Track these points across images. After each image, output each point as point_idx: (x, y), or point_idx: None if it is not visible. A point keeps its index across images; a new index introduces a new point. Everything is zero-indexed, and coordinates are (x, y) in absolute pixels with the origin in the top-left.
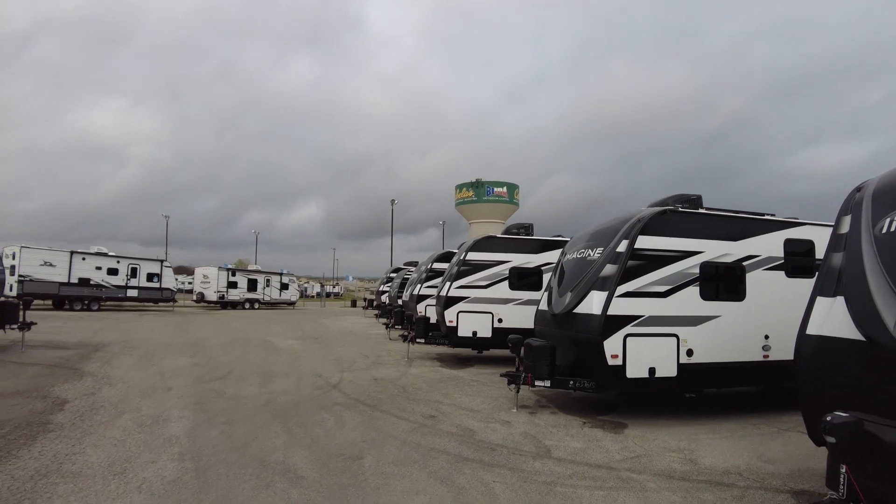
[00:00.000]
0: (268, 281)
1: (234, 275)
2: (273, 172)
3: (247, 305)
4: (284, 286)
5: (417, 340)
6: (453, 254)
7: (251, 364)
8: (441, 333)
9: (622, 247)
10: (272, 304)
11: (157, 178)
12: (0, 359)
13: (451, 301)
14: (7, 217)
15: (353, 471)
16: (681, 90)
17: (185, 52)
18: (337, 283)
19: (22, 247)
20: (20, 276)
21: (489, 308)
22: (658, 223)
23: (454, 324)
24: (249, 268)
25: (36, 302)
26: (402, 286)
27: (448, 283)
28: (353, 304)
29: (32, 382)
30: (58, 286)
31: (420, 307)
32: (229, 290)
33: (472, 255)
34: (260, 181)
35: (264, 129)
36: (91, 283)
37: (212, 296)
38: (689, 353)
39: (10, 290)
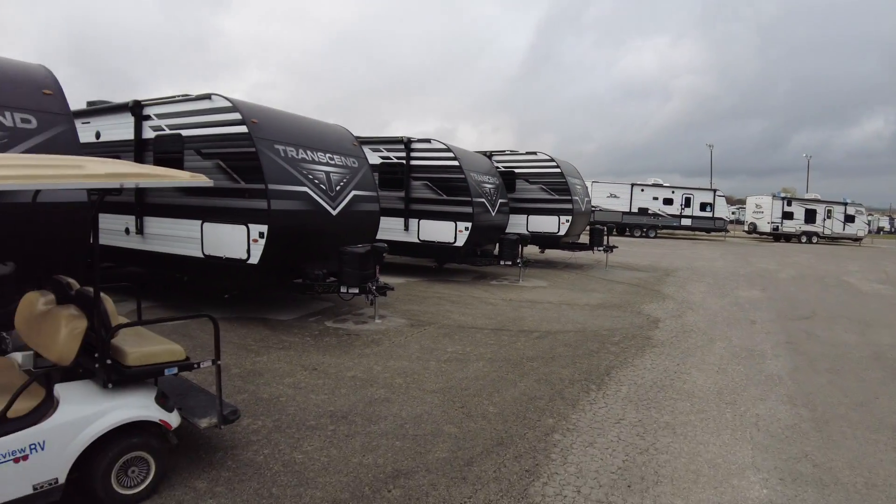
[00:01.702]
0: (829, 212)
1: (789, 204)
2: (827, 84)
3: (803, 239)
4: (849, 218)
5: None
6: None
7: (834, 306)
8: None
9: None
10: (832, 239)
11: (699, 107)
12: (592, 276)
13: None
14: (573, 157)
15: None
16: None
17: None
18: None
19: (593, 182)
20: (591, 206)
21: None
22: None
23: None
24: (806, 196)
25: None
26: None
27: None
28: None
29: (623, 298)
30: (620, 215)
31: None
32: (784, 220)
33: None
34: (810, 97)
35: (815, 34)
36: (648, 212)
37: (764, 227)
38: None
39: None
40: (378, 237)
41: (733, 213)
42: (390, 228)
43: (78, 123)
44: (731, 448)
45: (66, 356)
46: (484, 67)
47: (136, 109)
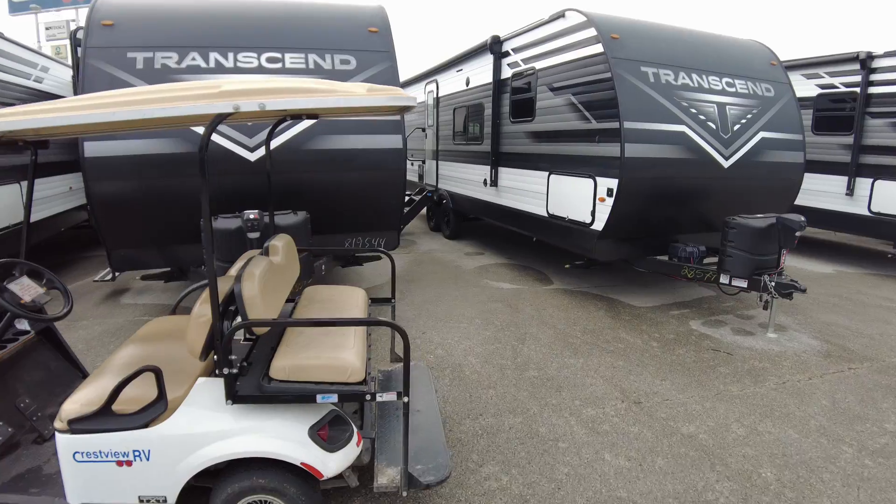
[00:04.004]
0: None
1: None
2: None
3: None
4: None
5: None
6: None
7: None
8: None
9: None
10: None
11: None
12: None
13: None
14: None
15: None
16: None
17: None
18: None
19: None
20: None
21: None
22: None
23: None
24: None
25: None
26: None
27: None
28: None
29: None
30: None
31: None
32: None
33: None
34: None
35: None
36: None
37: None
38: None
39: None
40: (796, 203)
41: None
42: (820, 191)
43: (452, 72)
44: None
45: (192, 348)
46: None
47: (495, 46)
